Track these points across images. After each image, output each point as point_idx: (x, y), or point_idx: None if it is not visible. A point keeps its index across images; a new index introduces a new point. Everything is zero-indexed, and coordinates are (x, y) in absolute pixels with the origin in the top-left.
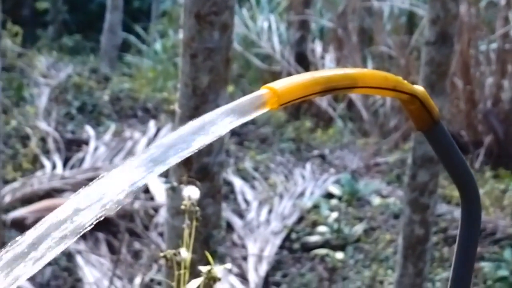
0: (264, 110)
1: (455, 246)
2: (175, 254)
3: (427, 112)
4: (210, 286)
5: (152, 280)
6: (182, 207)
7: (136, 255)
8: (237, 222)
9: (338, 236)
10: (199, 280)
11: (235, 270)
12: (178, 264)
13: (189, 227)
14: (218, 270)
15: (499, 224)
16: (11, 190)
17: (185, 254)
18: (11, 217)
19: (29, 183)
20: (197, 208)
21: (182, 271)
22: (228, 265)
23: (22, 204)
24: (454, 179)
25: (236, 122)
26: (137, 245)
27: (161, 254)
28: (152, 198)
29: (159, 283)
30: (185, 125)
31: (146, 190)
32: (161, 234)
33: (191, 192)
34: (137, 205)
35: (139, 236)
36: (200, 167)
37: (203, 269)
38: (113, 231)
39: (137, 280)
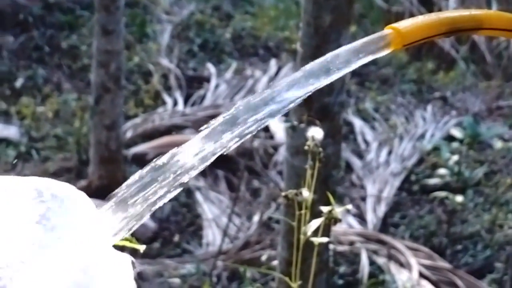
0: (388, 50)
1: None
2: (296, 194)
3: None
4: (330, 226)
5: (270, 219)
6: (305, 147)
7: (255, 193)
8: (356, 162)
9: (458, 179)
10: (319, 220)
11: (354, 210)
12: (299, 203)
13: (311, 167)
14: (338, 210)
15: None
16: (133, 125)
17: (306, 194)
18: (132, 152)
19: (150, 119)
20: (320, 148)
21: (303, 211)
22: (349, 206)
23: (143, 139)
24: None
25: (359, 62)
26: (255, 183)
27: (282, 194)
28: (271, 137)
29: (277, 222)
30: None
31: (266, 129)
32: (280, 173)
33: (315, 132)
34: (256, 143)
35: (258, 174)
36: (320, 107)
37: (324, 209)
38: (233, 169)
39: (255, 218)
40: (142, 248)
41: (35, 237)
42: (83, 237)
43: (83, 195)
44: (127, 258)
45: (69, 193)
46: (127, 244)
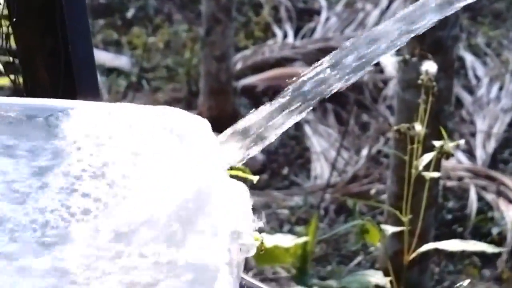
0: None
1: None
2: (408, 128)
3: None
4: (440, 161)
5: (379, 153)
6: (419, 81)
7: (364, 127)
8: (466, 98)
9: None
10: (431, 154)
11: (463, 146)
12: (411, 137)
13: (424, 101)
14: (450, 145)
15: None
16: (243, 57)
17: (419, 127)
18: (242, 84)
19: (260, 52)
20: (434, 82)
21: (415, 145)
22: (461, 141)
23: (253, 72)
24: None
25: None
26: (364, 117)
27: (394, 127)
28: (381, 71)
29: (386, 156)
30: None
31: (376, 62)
32: (389, 107)
33: (429, 66)
34: (366, 77)
35: (367, 108)
36: (433, 41)
37: (436, 143)
38: (342, 102)
39: (364, 152)
40: (255, 178)
41: (158, 157)
42: (202, 161)
43: (205, 122)
44: (243, 186)
45: (190, 120)
46: (241, 174)
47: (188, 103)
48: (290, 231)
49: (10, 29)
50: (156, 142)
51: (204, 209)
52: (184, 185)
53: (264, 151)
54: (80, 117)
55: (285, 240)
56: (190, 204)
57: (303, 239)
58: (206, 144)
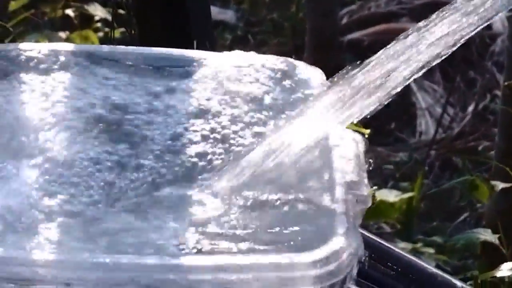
0: None
1: None
2: None
3: None
4: None
5: (485, 109)
6: None
7: (470, 83)
8: None
9: None
10: None
11: None
12: None
13: None
14: None
15: None
16: (348, 12)
17: None
18: (347, 39)
19: (366, 6)
20: None
21: None
22: None
23: (358, 27)
24: None
25: None
26: (471, 73)
27: (505, 83)
28: (489, 27)
29: (492, 113)
30: None
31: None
32: (495, 64)
33: None
34: (473, 32)
35: (474, 65)
36: None
37: None
38: (447, 58)
39: (470, 109)
40: (367, 132)
41: (280, 105)
42: (321, 110)
43: (321, 73)
44: (360, 137)
45: (309, 70)
46: (353, 127)
47: (294, 58)
48: (394, 187)
49: None
50: (278, 90)
51: (322, 157)
52: (304, 133)
53: None
54: (206, 65)
55: (390, 196)
56: (310, 152)
57: (408, 194)
58: (324, 94)
